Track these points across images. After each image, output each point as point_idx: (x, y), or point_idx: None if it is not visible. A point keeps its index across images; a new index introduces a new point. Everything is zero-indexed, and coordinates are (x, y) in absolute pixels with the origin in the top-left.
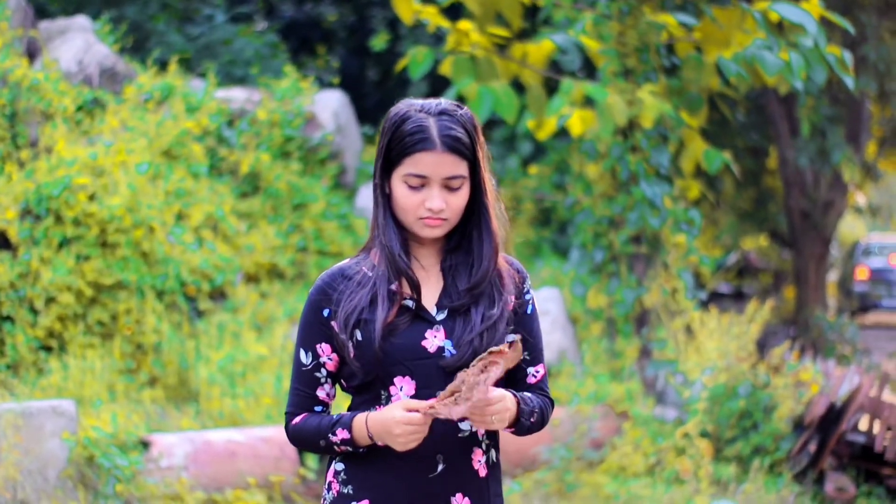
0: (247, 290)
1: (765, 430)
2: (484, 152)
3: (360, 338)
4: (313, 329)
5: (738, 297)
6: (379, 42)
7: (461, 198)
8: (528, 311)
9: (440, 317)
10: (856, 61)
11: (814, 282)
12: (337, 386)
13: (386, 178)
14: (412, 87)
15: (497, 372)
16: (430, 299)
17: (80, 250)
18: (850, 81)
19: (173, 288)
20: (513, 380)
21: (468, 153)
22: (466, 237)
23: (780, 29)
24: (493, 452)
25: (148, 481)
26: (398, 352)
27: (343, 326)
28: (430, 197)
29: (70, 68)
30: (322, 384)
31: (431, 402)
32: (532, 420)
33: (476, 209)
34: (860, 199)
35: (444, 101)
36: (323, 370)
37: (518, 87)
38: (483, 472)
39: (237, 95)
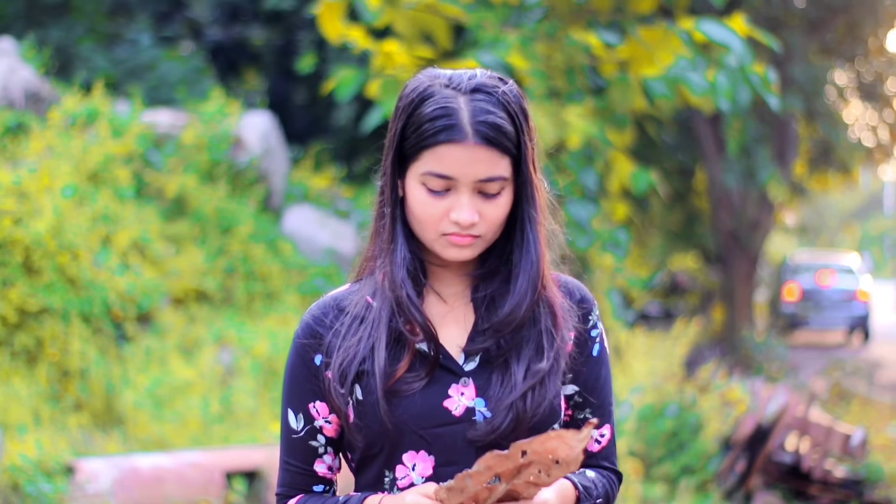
0: (174, 313)
1: (693, 450)
2: (533, 144)
3: (360, 396)
4: (302, 384)
5: (667, 318)
6: (306, 64)
7: (500, 207)
8: (595, 353)
9: (469, 366)
10: (782, 81)
11: (742, 301)
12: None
13: (398, 176)
14: (340, 108)
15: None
16: (454, 341)
17: (5, 275)
18: (774, 101)
19: (99, 313)
20: None
21: (511, 146)
22: (507, 258)
23: (705, 48)
24: None
25: None
26: (411, 417)
27: (339, 380)
28: (457, 206)
29: None
30: (321, 456)
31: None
32: None
33: (519, 221)
34: (789, 217)
35: (482, 73)
36: (320, 437)
37: None
38: None
39: (163, 119)
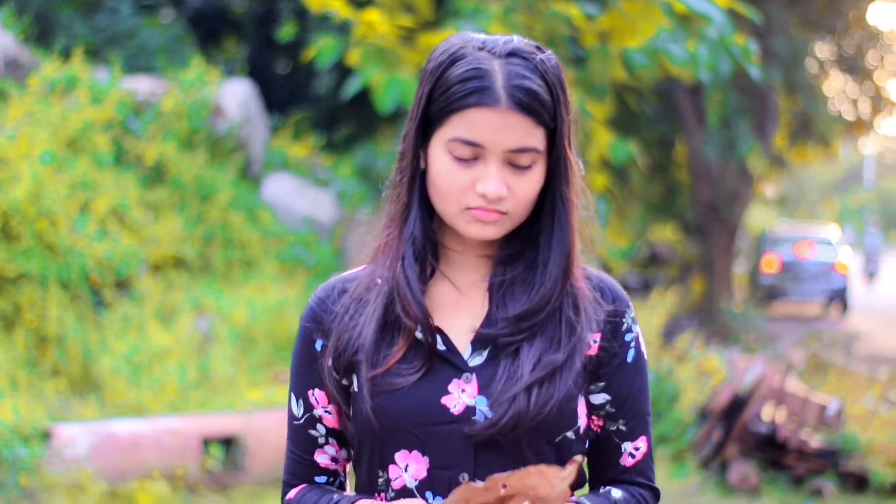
0: (152, 280)
1: (669, 419)
2: (570, 118)
3: (356, 387)
4: (304, 369)
5: (645, 288)
6: (286, 32)
7: (531, 183)
8: (630, 359)
9: (476, 360)
10: (763, 53)
11: (720, 272)
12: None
13: (421, 145)
14: (320, 77)
15: None
16: (463, 333)
17: None
18: (754, 72)
19: (77, 279)
20: (599, 459)
21: (547, 117)
22: (532, 241)
23: (686, 20)
24: None
25: (51, 472)
26: (402, 413)
27: (335, 367)
28: (484, 176)
29: None
30: (321, 446)
31: None
32: None
33: (550, 201)
34: (769, 189)
35: (518, 38)
36: (320, 426)
37: None
38: None
39: (143, 86)
